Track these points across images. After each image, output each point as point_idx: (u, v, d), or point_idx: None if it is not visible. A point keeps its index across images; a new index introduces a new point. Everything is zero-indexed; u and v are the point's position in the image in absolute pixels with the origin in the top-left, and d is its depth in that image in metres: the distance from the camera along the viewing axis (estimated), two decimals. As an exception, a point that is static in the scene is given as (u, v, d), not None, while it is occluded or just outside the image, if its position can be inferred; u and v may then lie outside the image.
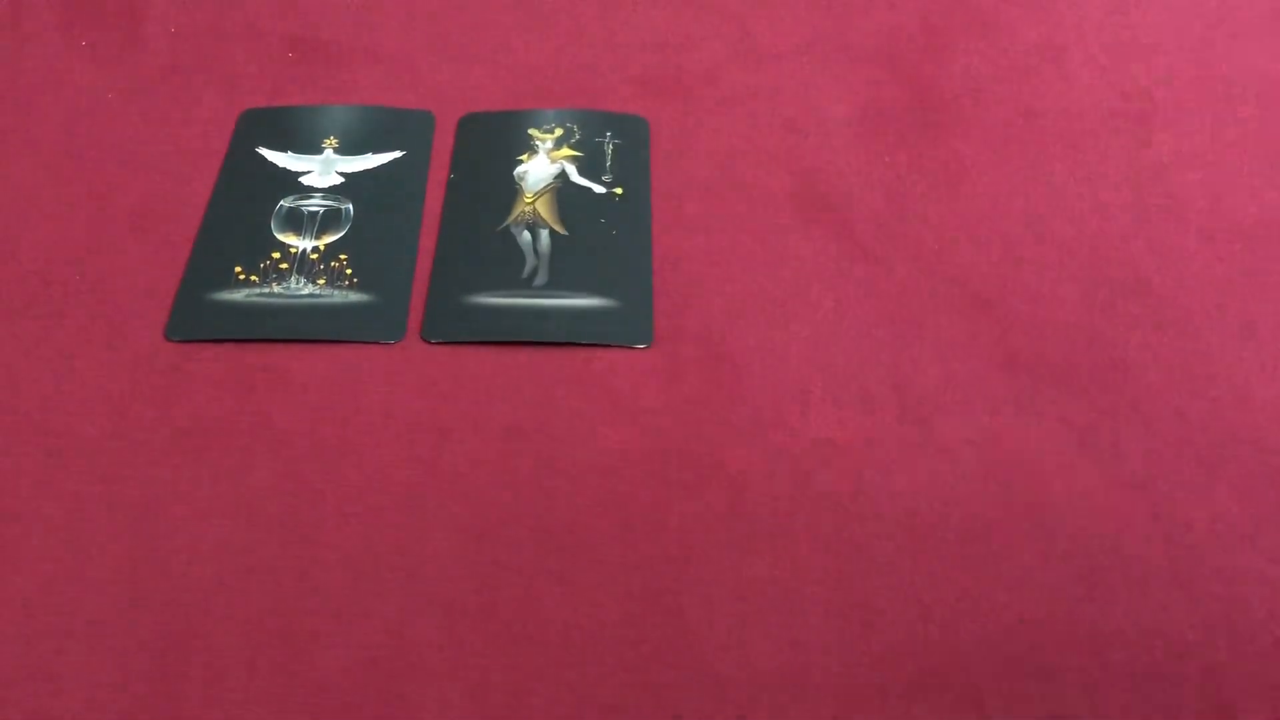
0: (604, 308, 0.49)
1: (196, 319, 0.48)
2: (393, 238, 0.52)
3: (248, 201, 0.53)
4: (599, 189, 0.54)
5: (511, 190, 0.53)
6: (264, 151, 0.55)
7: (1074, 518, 0.42)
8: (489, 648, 0.39)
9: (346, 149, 0.55)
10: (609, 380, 0.47)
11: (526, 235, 0.52)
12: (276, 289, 0.49)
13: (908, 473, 0.43)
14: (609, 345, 0.48)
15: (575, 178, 0.54)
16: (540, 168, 0.54)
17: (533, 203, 0.53)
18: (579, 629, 0.40)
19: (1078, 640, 0.39)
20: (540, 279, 0.50)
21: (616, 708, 0.38)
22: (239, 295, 0.49)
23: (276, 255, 0.51)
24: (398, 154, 0.55)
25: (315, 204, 0.53)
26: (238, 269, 0.50)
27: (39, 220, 0.52)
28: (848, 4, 0.63)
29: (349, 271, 0.50)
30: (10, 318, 0.49)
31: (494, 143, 0.56)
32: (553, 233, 0.52)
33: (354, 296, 0.49)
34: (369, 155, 0.55)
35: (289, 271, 0.50)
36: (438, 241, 0.52)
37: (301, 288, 0.50)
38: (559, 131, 0.56)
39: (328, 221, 0.52)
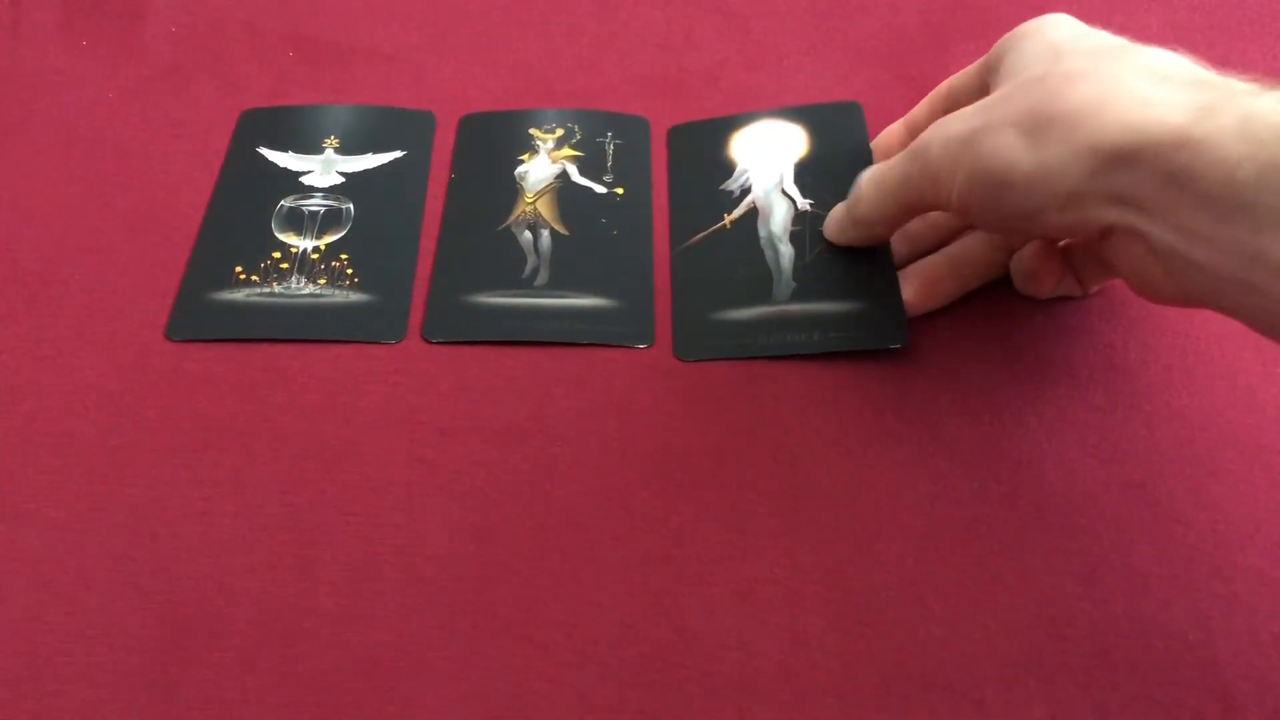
0: (605, 307, 0.49)
1: (197, 319, 0.48)
2: (393, 237, 0.52)
3: (248, 201, 0.53)
4: (600, 189, 0.54)
5: (512, 190, 0.53)
6: (264, 151, 0.55)
7: (1074, 518, 0.42)
8: (489, 648, 0.39)
9: (347, 149, 0.55)
10: (610, 380, 0.47)
11: (527, 235, 0.52)
12: (277, 289, 0.50)
13: (908, 472, 0.44)
14: (610, 345, 0.48)
15: (576, 177, 0.54)
16: (541, 167, 0.54)
17: (533, 202, 0.53)
18: (579, 629, 0.40)
19: (1078, 640, 0.39)
20: (541, 279, 0.50)
21: (616, 708, 0.38)
22: (239, 295, 0.49)
23: (277, 255, 0.51)
24: (398, 154, 0.55)
25: (316, 204, 0.53)
26: (238, 269, 0.50)
27: (38, 220, 0.52)
28: (849, 4, 0.63)
29: (350, 271, 0.50)
30: (9, 317, 0.49)
31: (495, 142, 0.56)
32: (554, 232, 0.52)
33: (355, 296, 0.49)
34: (369, 155, 0.55)
35: (289, 271, 0.50)
36: (438, 241, 0.52)
37: (302, 287, 0.50)
38: (560, 131, 0.56)
39: (328, 221, 0.52)
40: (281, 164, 0.55)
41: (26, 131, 0.56)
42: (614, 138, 0.56)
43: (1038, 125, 0.37)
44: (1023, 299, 0.49)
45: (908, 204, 0.44)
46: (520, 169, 0.54)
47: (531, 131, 0.56)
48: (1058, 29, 0.41)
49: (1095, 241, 0.39)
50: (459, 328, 0.48)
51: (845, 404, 0.45)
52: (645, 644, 0.39)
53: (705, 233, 0.51)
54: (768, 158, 0.53)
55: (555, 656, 0.39)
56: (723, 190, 0.52)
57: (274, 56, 0.60)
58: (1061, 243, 0.47)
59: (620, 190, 0.53)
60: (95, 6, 0.62)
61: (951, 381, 0.46)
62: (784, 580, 0.41)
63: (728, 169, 0.53)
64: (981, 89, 0.45)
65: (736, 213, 0.51)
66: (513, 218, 0.52)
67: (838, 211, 0.49)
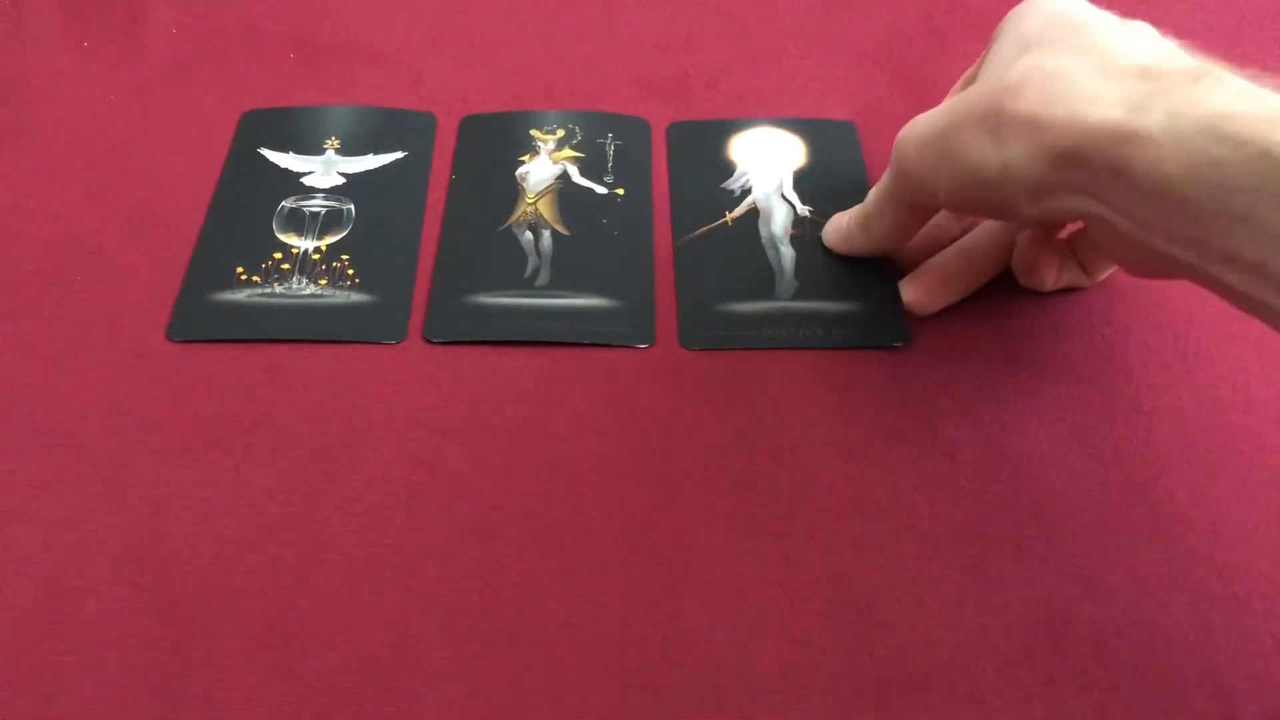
0: (606, 308, 0.49)
1: (198, 319, 0.48)
2: (394, 238, 0.52)
3: (249, 202, 0.53)
4: (601, 189, 0.54)
5: (513, 191, 0.54)
6: (266, 152, 0.55)
7: (1074, 517, 0.42)
8: (489, 648, 0.39)
9: (348, 150, 0.55)
10: (610, 380, 0.47)
11: (528, 235, 0.52)
12: (278, 289, 0.50)
13: (908, 472, 0.44)
14: (611, 345, 0.48)
15: (577, 178, 0.54)
16: (542, 168, 0.55)
17: (534, 203, 0.53)
18: (579, 629, 0.40)
19: (1078, 640, 0.39)
20: (542, 279, 0.50)
21: (616, 708, 0.38)
22: (241, 295, 0.49)
23: (278, 255, 0.51)
24: (399, 155, 0.55)
25: (317, 204, 0.53)
26: (239, 269, 0.50)
27: (39, 220, 0.52)
28: (849, 5, 0.63)
29: (351, 272, 0.50)
30: (11, 317, 0.49)
31: (496, 143, 0.56)
32: (554, 233, 0.52)
33: (356, 297, 0.49)
34: (370, 156, 0.55)
35: (291, 272, 0.50)
36: (439, 242, 0.52)
37: (303, 288, 0.50)
38: (561, 132, 0.56)
39: (329, 222, 0.52)
40: (283, 165, 0.55)
41: (27, 131, 0.56)
42: (614, 139, 0.56)
43: (996, 127, 0.38)
44: (1023, 298, 0.49)
45: (905, 207, 0.46)
46: (521, 170, 0.54)
47: (532, 132, 0.56)
48: (1037, 13, 0.41)
49: (1083, 226, 0.41)
50: (460, 328, 0.48)
51: (845, 404, 0.46)
52: (645, 644, 0.39)
53: (708, 226, 0.52)
54: (768, 162, 0.54)
55: (555, 656, 0.39)
56: (723, 189, 0.53)
57: (275, 58, 0.60)
58: (1064, 233, 0.47)
59: (621, 191, 0.54)
60: (96, 7, 0.62)
61: (951, 381, 0.46)
62: (784, 580, 0.41)
63: (727, 169, 0.54)
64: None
65: (738, 211, 0.52)
66: (514, 218, 0.52)
67: (837, 221, 0.50)
